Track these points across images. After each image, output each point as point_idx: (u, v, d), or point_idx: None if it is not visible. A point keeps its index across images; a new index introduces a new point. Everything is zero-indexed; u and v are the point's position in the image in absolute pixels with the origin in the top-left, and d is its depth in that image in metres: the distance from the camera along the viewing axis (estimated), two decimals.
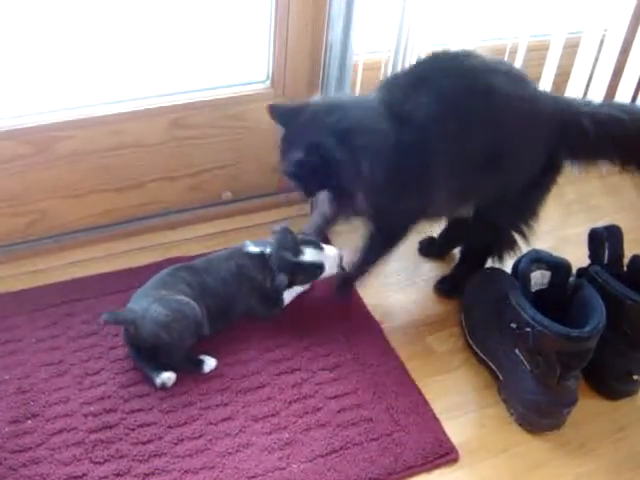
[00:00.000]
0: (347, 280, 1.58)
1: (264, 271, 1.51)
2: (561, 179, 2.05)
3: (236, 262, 1.51)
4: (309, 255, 1.52)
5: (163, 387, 1.38)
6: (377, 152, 1.34)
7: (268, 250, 1.52)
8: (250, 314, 1.53)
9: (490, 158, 1.41)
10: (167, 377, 1.38)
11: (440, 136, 1.36)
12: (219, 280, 1.47)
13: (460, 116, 1.37)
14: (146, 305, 1.38)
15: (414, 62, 1.50)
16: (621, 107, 1.52)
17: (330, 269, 1.54)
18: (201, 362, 1.43)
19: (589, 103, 1.53)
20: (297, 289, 1.58)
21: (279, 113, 1.39)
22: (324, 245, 1.56)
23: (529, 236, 1.59)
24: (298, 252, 1.51)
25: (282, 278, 1.48)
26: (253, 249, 1.53)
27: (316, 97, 1.46)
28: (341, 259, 1.57)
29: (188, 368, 1.42)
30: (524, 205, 1.56)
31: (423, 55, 1.50)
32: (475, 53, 1.44)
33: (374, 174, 1.34)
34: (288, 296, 1.56)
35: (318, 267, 1.52)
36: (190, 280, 1.45)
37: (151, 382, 1.38)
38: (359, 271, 1.57)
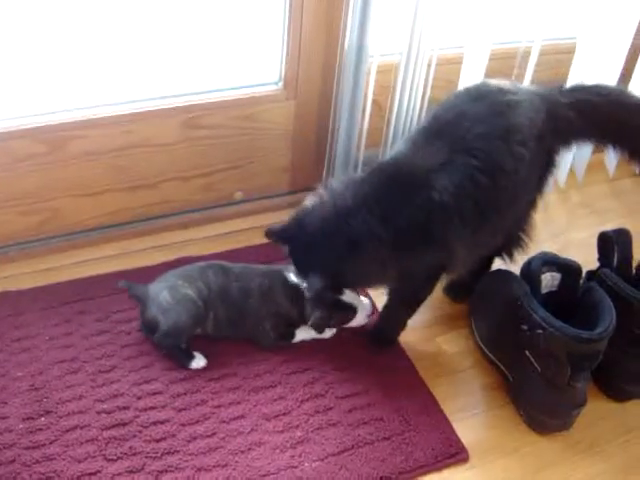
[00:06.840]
0: (381, 338, 1.54)
1: (293, 302, 1.48)
2: (566, 183, 2.09)
3: (270, 282, 1.48)
4: (348, 296, 1.48)
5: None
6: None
7: (305, 285, 1.45)
8: (254, 339, 1.49)
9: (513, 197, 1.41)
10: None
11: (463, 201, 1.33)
12: (245, 290, 1.47)
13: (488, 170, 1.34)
14: (159, 290, 1.43)
15: (429, 116, 1.45)
16: (596, 89, 1.51)
17: (360, 318, 1.51)
18: (191, 357, 1.43)
19: (564, 91, 1.49)
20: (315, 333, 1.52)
21: (276, 235, 1.39)
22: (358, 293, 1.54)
23: (530, 231, 1.60)
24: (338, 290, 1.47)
25: (323, 314, 1.43)
26: (292, 279, 1.48)
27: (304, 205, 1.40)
28: (372, 311, 1.55)
29: (177, 358, 1.44)
30: (528, 207, 1.57)
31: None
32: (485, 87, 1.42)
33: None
34: (301, 335, 1.52)
35: (353, 310, 1.49)
36: (213, 281, 1.45)
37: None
38: (393, 331, 1.54)
